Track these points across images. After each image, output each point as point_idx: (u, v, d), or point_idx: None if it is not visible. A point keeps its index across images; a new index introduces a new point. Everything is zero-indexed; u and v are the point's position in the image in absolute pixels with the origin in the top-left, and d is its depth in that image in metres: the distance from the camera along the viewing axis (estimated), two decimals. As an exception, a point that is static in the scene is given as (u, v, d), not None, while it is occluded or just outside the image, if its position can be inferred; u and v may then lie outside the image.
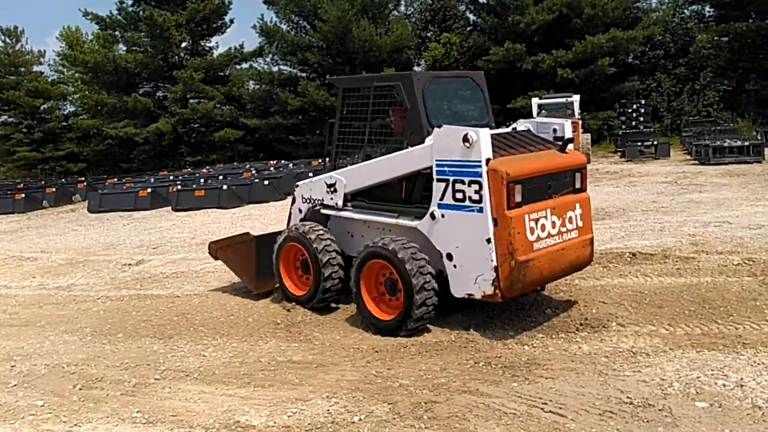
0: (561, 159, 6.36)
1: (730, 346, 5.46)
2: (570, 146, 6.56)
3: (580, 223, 6.41)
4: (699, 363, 5.15)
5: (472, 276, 5.92)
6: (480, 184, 5.75)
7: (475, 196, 5.82)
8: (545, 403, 4.63)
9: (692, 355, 5.34)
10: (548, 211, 6.06)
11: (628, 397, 4.63)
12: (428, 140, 6.25)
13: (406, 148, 6.55)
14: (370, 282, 6.61)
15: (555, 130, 6.69)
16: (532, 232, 5.90)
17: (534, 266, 5.91)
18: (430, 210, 6.21)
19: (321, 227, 7.41)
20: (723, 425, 4.17)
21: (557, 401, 4.65)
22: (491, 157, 5.78)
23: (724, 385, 4.73)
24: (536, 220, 5.93)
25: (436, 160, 6.12)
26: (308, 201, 7.85)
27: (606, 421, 4.32)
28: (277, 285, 7.81)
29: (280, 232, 7.81)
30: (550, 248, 6.06)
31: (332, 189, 7.39)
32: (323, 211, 7.56)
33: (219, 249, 8.26)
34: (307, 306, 7.34)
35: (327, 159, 7.85)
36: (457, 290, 6.10)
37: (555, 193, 6.19)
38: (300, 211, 8.01)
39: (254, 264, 8.00)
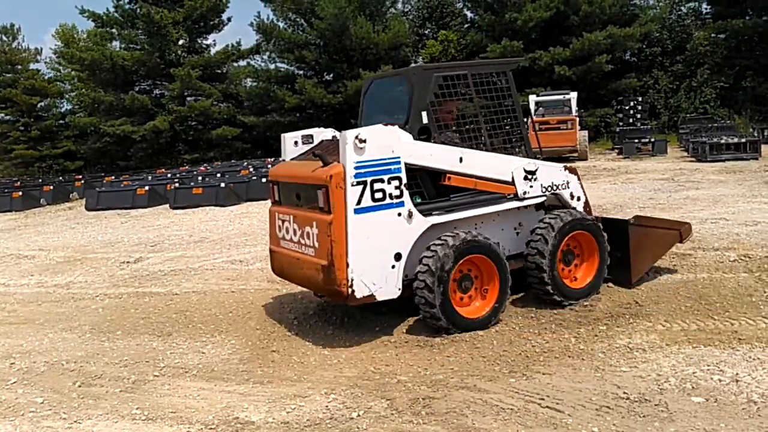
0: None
1: (726, 341, 5.50)
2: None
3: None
4: (695, 358, 5.18)
5: None
6: None
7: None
8: (542, 399, 4.66)
9: (688, 350, 5.37)
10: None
11: (624, 393, 4.66)
12: None
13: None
14: None
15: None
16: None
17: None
18: None
19: None
20: (719, 420, 4.20)
21: (554, 397, 4.68)
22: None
23: (720, 381, 4.76)
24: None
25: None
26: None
27: (603, 416, 4.35)
28: None
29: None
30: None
31: None
32: None
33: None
34: None
35: None
36: None
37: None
38: None
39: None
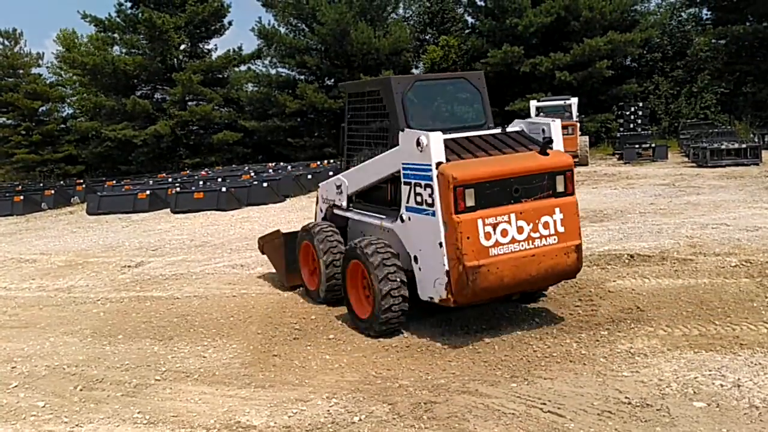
0: (534, 162, 6.04)
1: (727, 346, 5.50)
2: (559, 147, 6.33)
3: (561, 229, 6.02)
4: (697, 363, 5.18)
5: (432, 279, 5.90)
6: (432, 187, 5.75)
7: (429, 200, 5.81)
8: (544, 404, 4.66)
9: (690, 355, 5.37)
10: (512, 215, 5.81)
11: (626, 398, 4.66)
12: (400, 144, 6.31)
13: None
14: (355, 281, 6.67)
15: (543, 131, 6.51)
16: (488, 237, 5.71)
17: (489, 272, 5.69)
18: (400, 212, 6.28)
19: (330, 226, 7.58)
20: (720, 425, 4.20)
21: (556, 401, 4.68)
22: (443, 161, 5.74)
23: (722, 386, 4.76)
24: (494, 225, 5.72)
25: (402, 164, 6.18)
26: (326, 201, 8.02)
27: (604, 421, 4.35)
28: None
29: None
30: (513, 254, 5.81)
31: (339, 190, 7.57)
32: (335, 211, 7.76)
33: (264, 244, 8.90)
34: (320, 299, 7.60)
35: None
36: (422, 293, 6.11)
37: (525, 197, 5.91)
38: (321, 210, 8.22)
39: (283, 259, 8.38)
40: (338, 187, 7.60)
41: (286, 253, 8.30)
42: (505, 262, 5.78)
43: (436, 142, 5.79)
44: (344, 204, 7.51)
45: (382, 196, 6.96)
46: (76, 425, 4.93)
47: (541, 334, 6.13)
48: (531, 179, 5.97)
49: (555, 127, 6.44)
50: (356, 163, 7.41)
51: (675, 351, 5.48)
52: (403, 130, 6.25)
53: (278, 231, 8.69)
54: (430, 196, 5.78)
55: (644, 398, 4.63)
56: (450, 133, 6.17)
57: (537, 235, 5.93)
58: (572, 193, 6.20)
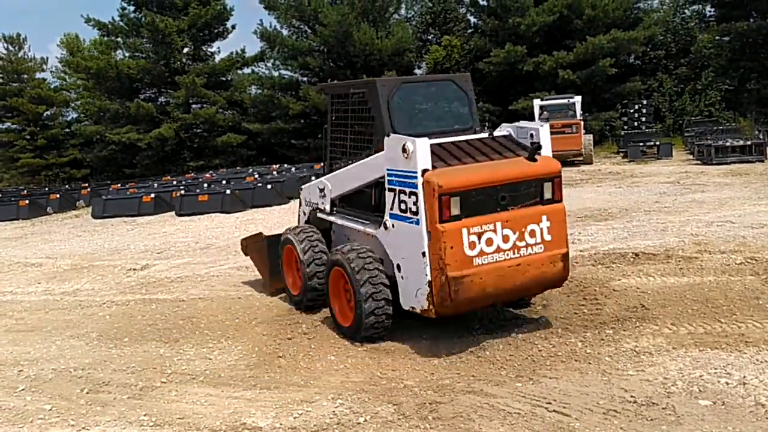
0: (522, 168, 5.92)
1: (733, 344, 5.48)
2: (548, 152, 6.18)
3: (548, 237, 5.90)
4: (702, 362, 5.17)
5: (414, 289, 5.79)
6: (417, 195, 5.61)
7: (414, 208, 5.67)
8: (549, 403, 4.66)
9: (695, 353, 5.36)
10: (498, 224, 5.68)
11: (631, 396, 4.66)
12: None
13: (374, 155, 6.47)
14: (338, 287, 6.61)
15: (531, 135, 6.33)
16: (472, 247, 5.58)
17: (472, 283, 5.56)
18: (384, 219, 6.15)
19: (312, 229, 7.52)
20: (726, 423, 4.19)
21: (561, 401, 4.68)
22: (429, 168, 5.59)
23: (727, 384, 4.75)
24: (479, 234, 5.61)
25: (387, 169, 6.04)
26: (309, 204, 7.94)
27: (610, 420, 4.34)
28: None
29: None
30: (498, 264, 5.68)
31: (323, 194, 7.47)
32: (319, 215, 7.66)
33: (247, 245, 8.82)
34: (293, 301, 7.69)
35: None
36: (404, 302, 6.01)
37: (511, 204, 5.80)
38: (304, 213, 8.13)
39: (267, 263, 8.33)
40: (321, 190, 7.47)
41: (269, 256, 8.20)
42: (489, 272, 5.65)
43: (422, 148, 5.62)
44: (327, 208, 7.39)
45: (365, 201, 6.82)
46: (83, 428, 4.95)
47: (546, 334, 6.13)
48: (518, 186, 5.85)
49: (543, 132, 6.27)
50: (340, 167, 7.27)
51: (680, 349, 5.47)
52: (388, 135, 6.09)
53: (261, 234, 8.64)
54: (415, 204, 5.64)
55: (650, 397, 4.62)
56: (436, 138, 6.05)
57: (523, 243, 5.81)
58: (560, 200, 6.08)
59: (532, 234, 5.85)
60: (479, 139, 6.32)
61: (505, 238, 5.72)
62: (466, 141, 6.21)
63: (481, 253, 5.63)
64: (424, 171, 5.59)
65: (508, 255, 5.73)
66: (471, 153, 6.02)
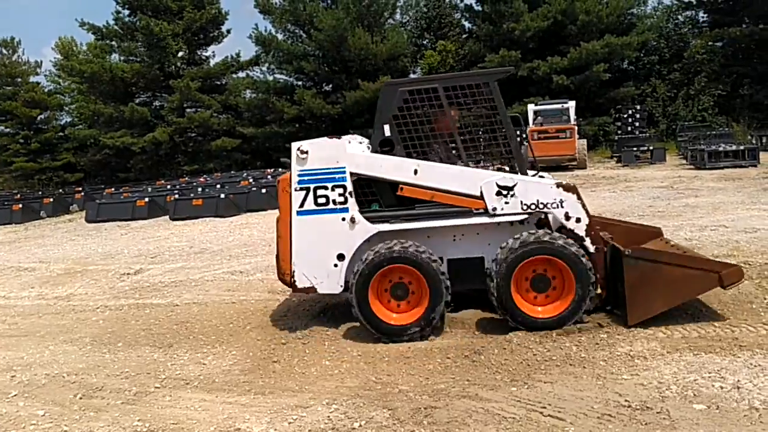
0: None
1: (727, 348, 5.49)
2: None
3: None
4: (696, 366, 5.18)
5: None
6: None
7: None
8: (544, 407, 4.65)
9: (689, 358, 5.37)
10: None
11: (626, 401, 4.66)
12: None
13: None
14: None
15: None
16: None
17: None
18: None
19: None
20: (720, 427, 4.20)
21: (556, 405, 4.68)
22: None
23: (722, 388, 4.75)
24: None
25: None
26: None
27: (604, 424, 4.34)
28: None
29: None
30: None
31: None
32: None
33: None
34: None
35: None
36: None
37: None
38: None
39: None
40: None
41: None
42: None
43: None
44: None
45: None
46: (76, 434, 4.92)
47: (540, 338, 6.13)
48: None
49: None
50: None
51: (674, 353, 5.48)
52: None
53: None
54: None
55: (644, 401, 4.62)
56: None
57: None
58: None
59: None
60: None
61: None
62: None
63: None
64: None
65: None
66: None
